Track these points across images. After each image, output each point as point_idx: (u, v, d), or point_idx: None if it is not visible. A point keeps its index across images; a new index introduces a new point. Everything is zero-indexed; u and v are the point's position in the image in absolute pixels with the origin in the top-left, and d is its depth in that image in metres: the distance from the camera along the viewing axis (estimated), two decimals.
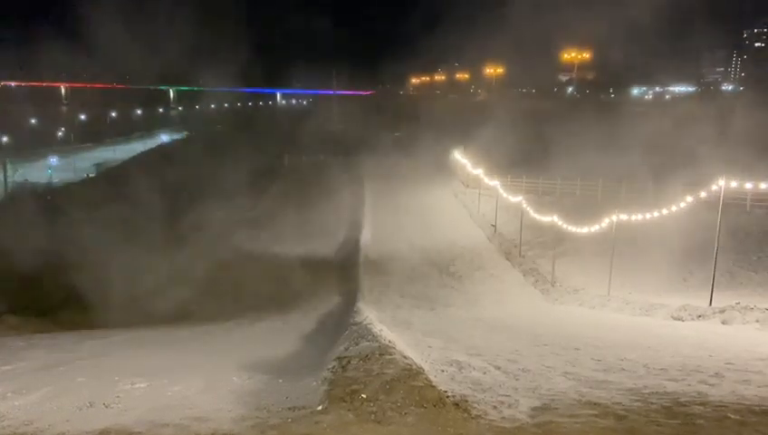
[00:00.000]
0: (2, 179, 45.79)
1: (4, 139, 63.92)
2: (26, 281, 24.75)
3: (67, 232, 27.91)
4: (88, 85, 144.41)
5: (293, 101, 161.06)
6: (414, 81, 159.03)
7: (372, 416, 6.64)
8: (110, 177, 50.80)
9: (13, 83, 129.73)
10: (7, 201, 40.23)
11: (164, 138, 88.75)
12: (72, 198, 38.86)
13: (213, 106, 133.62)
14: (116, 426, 6.83)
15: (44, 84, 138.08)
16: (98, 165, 61.73)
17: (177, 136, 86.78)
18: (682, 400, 7.41)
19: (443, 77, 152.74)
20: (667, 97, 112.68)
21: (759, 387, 8.10)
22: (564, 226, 22.37)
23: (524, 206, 24.98)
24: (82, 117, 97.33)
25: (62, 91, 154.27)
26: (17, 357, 12.39)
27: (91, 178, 55.20)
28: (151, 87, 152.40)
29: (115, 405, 7.77)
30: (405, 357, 8.42)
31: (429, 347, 10.56)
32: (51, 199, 41.76)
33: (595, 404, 7.25)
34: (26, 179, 50.28)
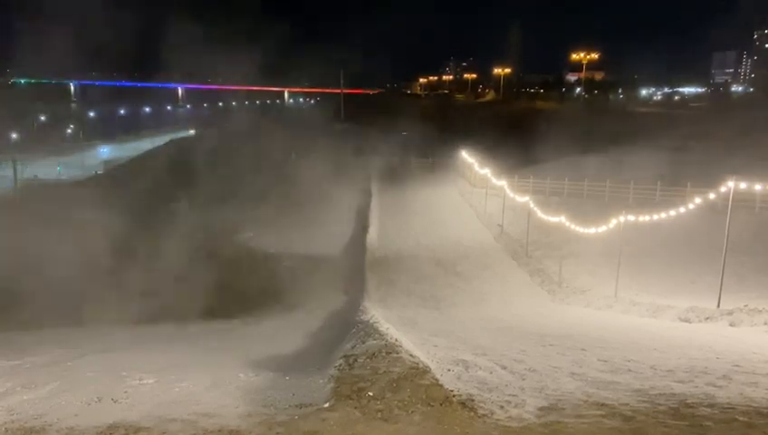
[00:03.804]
0: (11, 176, 46.04)
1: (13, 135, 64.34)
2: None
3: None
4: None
5: (300, 100, 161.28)
6: (422, 80, 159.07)
7: (379, 414, 6.65)
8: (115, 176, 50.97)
9: None
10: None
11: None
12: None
13: (221, 104, 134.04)
14: (124, 421, 6.86)
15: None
16: (106, 162, 62.16)
17: (182, 134, 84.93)
18: (689, 401, 7.38)
19: (450, 77, 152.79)
20: (677, 98, 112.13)
21: (767, 389, 8.05)
22: (571, 226, 22.31)
23: (531, 206, 24.92)
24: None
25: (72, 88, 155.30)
26: (26, 352, 12.48)
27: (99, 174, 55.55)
28: (160, 85, 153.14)
29: (123, 400, 7.81)
30: (411, 356, 8.42)
31: (435, 346, 10.54)
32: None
33: (602, 405, 7.22)
34: (36, 176, 50.66)
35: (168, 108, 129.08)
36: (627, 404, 7.24)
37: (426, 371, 7.72)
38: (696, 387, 8.14)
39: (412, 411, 6.70)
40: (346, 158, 51.05)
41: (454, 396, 7.15)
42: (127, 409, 7.43)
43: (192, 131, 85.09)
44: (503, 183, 29.29)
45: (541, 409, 7.08)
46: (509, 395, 7.59)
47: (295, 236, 29.10)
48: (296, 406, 7.17)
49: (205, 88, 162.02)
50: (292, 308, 20.75)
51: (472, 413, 6.76)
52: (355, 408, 6.80)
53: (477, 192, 34.56)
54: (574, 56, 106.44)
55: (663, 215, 19.61)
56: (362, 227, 30.03)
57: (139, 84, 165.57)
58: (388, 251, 25.17)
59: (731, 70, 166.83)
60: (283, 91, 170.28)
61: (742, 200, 22.19)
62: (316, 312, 19.01)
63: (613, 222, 20.18)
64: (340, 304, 19.80)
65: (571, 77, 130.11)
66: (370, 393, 7.08)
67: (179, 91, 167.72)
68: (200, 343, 14.44)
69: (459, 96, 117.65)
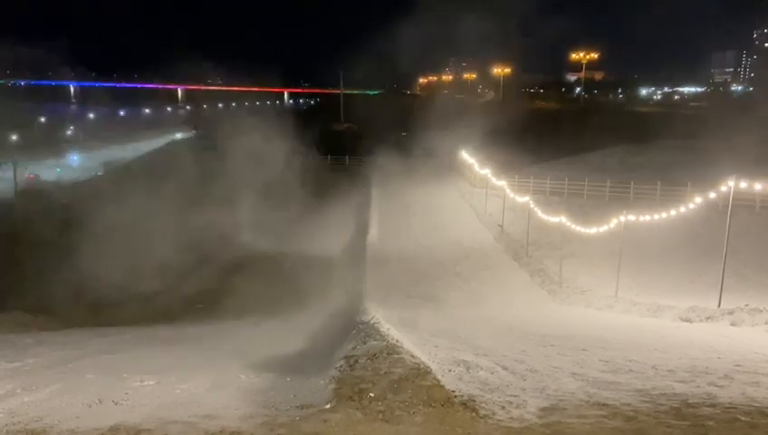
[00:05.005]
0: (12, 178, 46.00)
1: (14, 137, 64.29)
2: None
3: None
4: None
5: (300, 101, 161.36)
6: (421, 80, 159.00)
7: (380, 415, 6.64)
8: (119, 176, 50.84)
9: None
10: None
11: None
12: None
13: (221, 105, 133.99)
14: (125, 423, 6.86)
15: None
16: (106, 163, 62.04)
17: (180, 136, 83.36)
18: (691, 401, 7.37)
19: (450, 77, 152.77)
20: (676, 98, 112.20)
21: None
22: (572, 226, 22.30)
23: (532, 206, 24.90)
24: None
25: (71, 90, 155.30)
26: (27, 354, 12.47)
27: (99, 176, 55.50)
28: (159, 87, 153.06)
29: (124, 402, 7.80)
30: (412, 357, 8.41)
31: (436, 347, 10.53)
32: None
33: (603, 405, 7.22)
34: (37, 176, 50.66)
35: (168, 109, 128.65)
36: (628, 404, 7.24)
37: (427, 371, 7.71)
38: (698, 387, 8.13)
39: (413, 412, 6.69)
40: (346, 159, 51.11)
41: (455, 397, 7.14)
42: (128, 410, 7.43)
43: (179, 135, 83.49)
44: (502, 183, 29.28)
45: (542, 409, 7.08)
46: (510, 396, 7.58)
47: (296, 238, 29.12)
48: (297, 407, 7.16)
49: (204, 88, 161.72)
50: (292, 309, 20.74)
51: (473, 414, 6.76)
52: (356, 409, 6.79)
53: (477, 192, 34.55)
54: (574, 56, 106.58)
55: (663, 215, 19.59)
56: (362, 227, 30.02)
57: (137, 85, 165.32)
58: (388, 252, 25.15)
59: (731, 69, 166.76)
60: (282, 92, 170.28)
61: (742, 200, 22.18)
62: (316, 313, 18.99)
63: (613, 222, 20.17)
64: (341, 305, 19.78)
65: (571, 77, 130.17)
66: (372, 394, 7.08)
67: (179, 93, 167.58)
68: (200, 345, 14.43)
69: (459, 96, 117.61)
